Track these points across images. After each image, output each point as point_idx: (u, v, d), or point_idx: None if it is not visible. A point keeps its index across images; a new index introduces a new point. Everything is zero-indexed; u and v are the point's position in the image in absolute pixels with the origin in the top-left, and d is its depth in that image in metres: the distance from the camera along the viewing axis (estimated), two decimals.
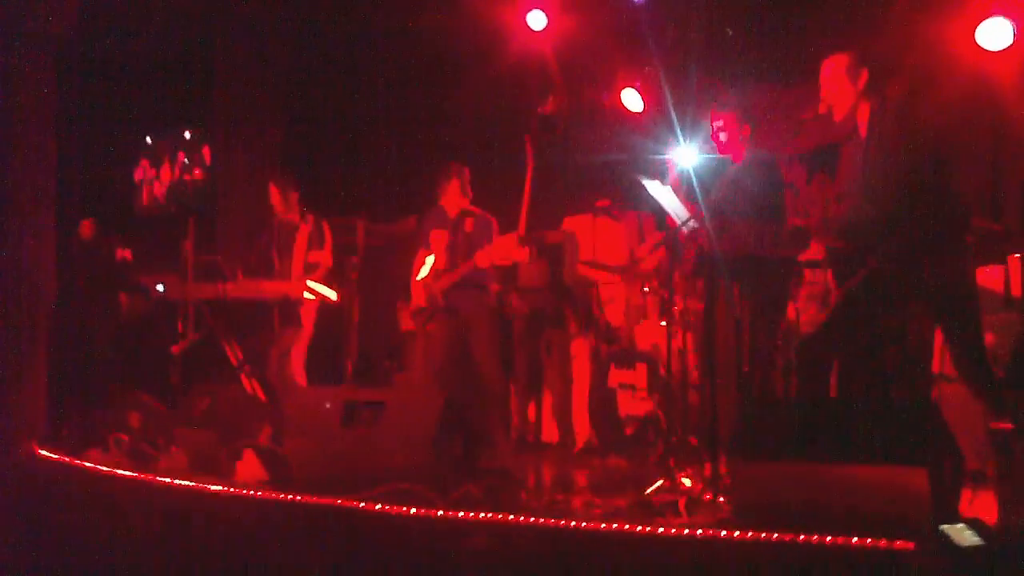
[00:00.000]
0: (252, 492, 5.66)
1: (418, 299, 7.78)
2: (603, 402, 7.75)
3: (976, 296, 5.28)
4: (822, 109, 5.42)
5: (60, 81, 8.54)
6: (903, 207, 5.07)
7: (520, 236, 7.40)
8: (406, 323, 9.24)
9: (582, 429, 8.31)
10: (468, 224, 7.75)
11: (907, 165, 5.10)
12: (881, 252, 5.15)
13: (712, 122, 6.81)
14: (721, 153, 6.71)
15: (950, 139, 6.10)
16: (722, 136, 6.72)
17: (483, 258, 7.43)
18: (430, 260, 7.72)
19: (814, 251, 6.51)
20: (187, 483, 5.93)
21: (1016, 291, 6.72)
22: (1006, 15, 6.83)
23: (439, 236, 7.79)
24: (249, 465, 6.13)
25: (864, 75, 5.28)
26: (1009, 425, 4.69)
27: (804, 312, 6.82)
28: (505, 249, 7.41)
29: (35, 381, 7.30)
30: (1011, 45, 6.90)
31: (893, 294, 5.17)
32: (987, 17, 6.93)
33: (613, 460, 7.30)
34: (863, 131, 5.32)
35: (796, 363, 5.97)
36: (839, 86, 5.33)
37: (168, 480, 6.03)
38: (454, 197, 7.79)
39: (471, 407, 7.16)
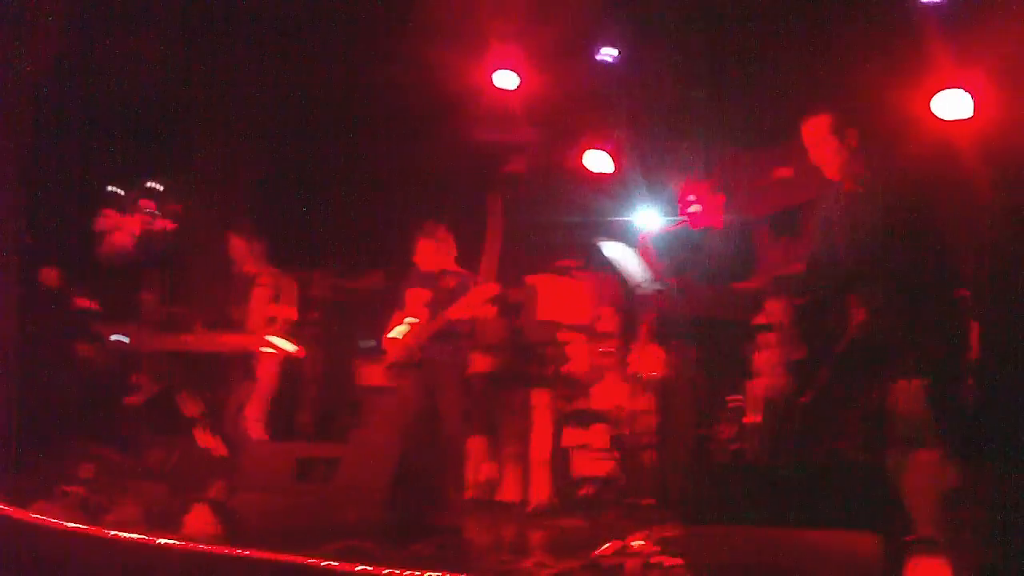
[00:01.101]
0: (204, 547, 5.59)
1: (391, 355, 7.74)
2: (560, 462, 7.72)
3: (969, 352, 5.32)
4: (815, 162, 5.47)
5: (25, 127, 8.54)
6: (894, 245, 5.11)
7: (495, 285, 7.42)
8: (365, 378, 9.20)
9: (539, 488, 8.25)
10: (451, 282, 7.72)
11: (902, 223, 5.15)
12: (870, 302, 5.17)
13: (684, 196, 6.85)
14: (694, 226, 6.74)
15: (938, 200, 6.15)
16: (694, 208, 6.77)
17: (456, 311, 7.41)
18: (407, 320, 7.69)
19: (772, 314, 6.54)
20: (138, 537, 5.86)
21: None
22: (963, 87, 6.94)
23: (416, 294, 7.76)
24: (201, 519, 6.07)
25: (853, 133, 5.35)
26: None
27: (761, 375, 6.82)
28: (478, 300, 7.41)
29: None
30: (970, 116, 7.00)
31: (889, 349, 5.18)
32: (946, 87, 7.05)
33: (567, 520, 7.25)
34: (846, 187, 5.37)
35: (776, 425, 5.98)
36: (827, 145, 5.40)
37: (119, 534, 5.96)
38: (430, 255, 7.76)
39: (428, 464, 7.12)
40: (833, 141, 5.39)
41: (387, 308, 7.97)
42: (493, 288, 7.39)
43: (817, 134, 5.44)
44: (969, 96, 7.06)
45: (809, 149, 5.48)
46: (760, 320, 6.20)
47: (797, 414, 5.43)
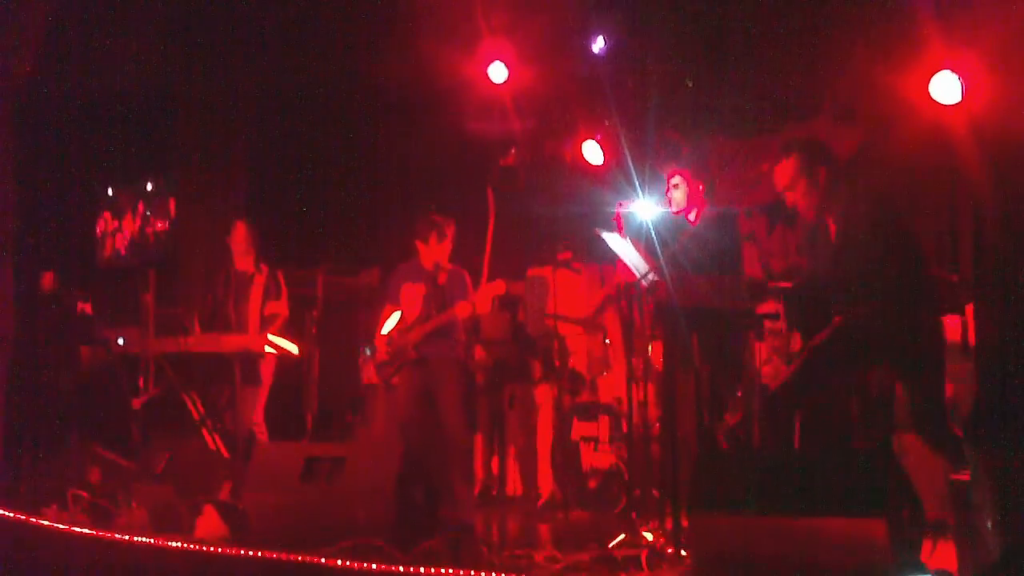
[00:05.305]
0: (212, 548, 5.62)
1: (383, 353, 7.71)
2: (566, 455, 7.75)
3: (943, 351, 5.33)
4: (789, 202, 5.44)
5: (19, 130, 8.51)
6: (870, 265, 5.11)
7: (503, 282, 7.41)
8: (368, 376, 9.19)
9: (546, 482, 8.29)
10: (442, 277, 7.65)
11: (869, 223, 5.15)
12: (848, 308, 5.18)
13: (667, 179, 6.85)
14: (676, 213, 6.75)
15: (908, 192, 6.15)
16: (677, 194, 6.78)
17: (464, 308, 7.39)
18: (396, 315, 7.67)
19: (773, 303, 6.55)
20: (147, 540, 5.88)
21: (973, 341, 6.76)
22: (955, 70, 6.92)
23: (412, 289, 7.69)
24: (209, 520, 6.09)
25: (822, 171, 5.33)
26: (967, 476, 4.73)
27: (765, 364, 6.84)
28: (486, 298, 7.41)
29: None
30: (961, 100, 6.98)
31: (860, 349, 5.20)
32: (938, 71, 7.02)
33: (576, 513, 7.28)
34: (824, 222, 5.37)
35: (762, 416, 5.99)
36: (797, 186, 5.37)
37: (127, 537, 5.98)
38: (436, 250, 7.68)
39: (434, 461, 7.13)
40: (803, 182, 5.36)
41: (382, 305, 7.95)
42: (500, 286, 7.37)
43: (786, 177, 5.40)
44: (959, 80, 7.04)
45: (781, 191, 5.45)
46: (761, 309, 6.21)
47: (774, 402, 5.45)
